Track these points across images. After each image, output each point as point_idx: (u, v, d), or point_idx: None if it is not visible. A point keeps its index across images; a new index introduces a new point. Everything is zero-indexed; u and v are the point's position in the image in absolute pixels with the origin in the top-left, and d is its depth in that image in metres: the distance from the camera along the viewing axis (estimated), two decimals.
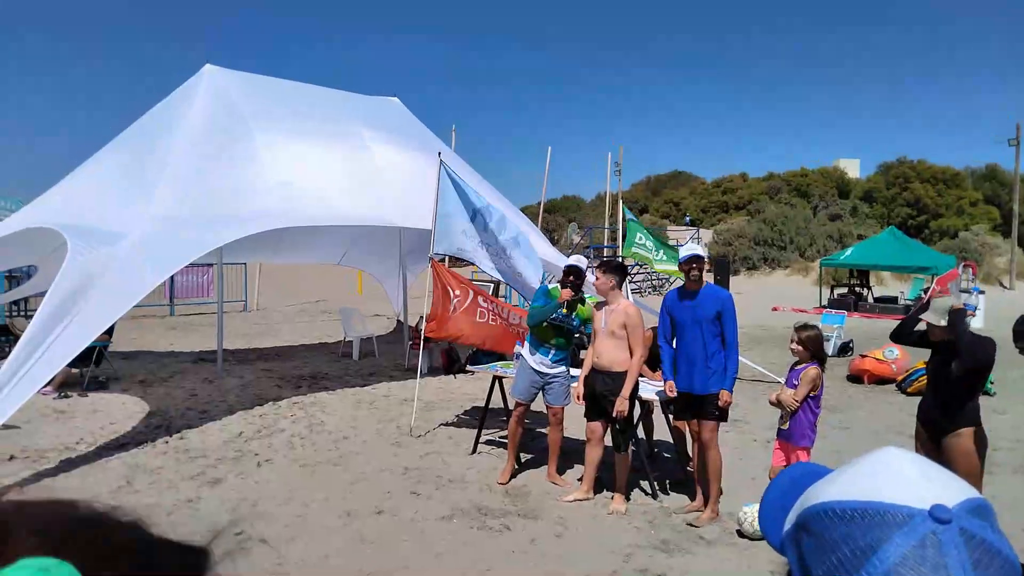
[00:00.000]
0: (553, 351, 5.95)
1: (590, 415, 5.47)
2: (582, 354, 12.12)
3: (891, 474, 0.69)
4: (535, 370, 5.95)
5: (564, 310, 5.85)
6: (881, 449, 0.75)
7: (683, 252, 5.42)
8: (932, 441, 4.27)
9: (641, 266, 13.06)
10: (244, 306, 20.23)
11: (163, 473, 6.05)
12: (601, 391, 5.29)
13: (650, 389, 5.92)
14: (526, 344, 6.14)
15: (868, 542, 0.64)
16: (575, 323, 5.93)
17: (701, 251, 5.34)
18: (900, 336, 4.85)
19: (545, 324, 5.90)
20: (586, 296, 6.06)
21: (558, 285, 6.08)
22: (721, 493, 5.26)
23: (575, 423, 7.78)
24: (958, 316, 4.26)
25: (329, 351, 12.94)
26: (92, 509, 0.45)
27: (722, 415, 5.19)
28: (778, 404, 4.90)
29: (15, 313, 13.93)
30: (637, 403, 5.64)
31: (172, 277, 17.19)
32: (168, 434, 7.22)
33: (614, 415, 5.20)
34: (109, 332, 9.42)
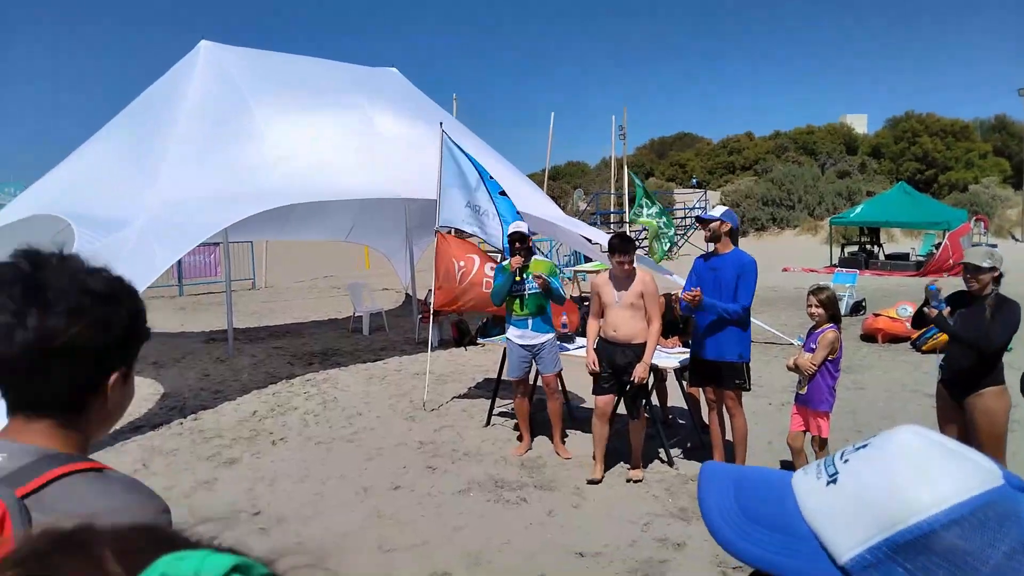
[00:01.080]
0: (530, 320, 5.87)
1: (599, 389, 5.34)
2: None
3: (948, 461, 0.65)
4: (520, 345, 5.91)
5: (517, 278, 5.82)
6: (895, 440, 0.69)
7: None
8: (954, 401, 4.20)
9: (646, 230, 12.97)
10: (253, 284, 20.24)
11: (179, 455, 6.07)
12: (622, 364, 5.13)
13: (663, 356, 5.87)
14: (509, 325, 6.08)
15: (1016, 537, 0.60)
16: (533, 284, 5.84)
17: (713, 212, 5.22)
18: (921, 322, 4.67)
19: (508, 298, 5.90)
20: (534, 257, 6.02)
21: (509, 260, 6.02)
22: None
23: (586, 391, 7.76)
24: (939, 321, 4.15)
25: (339, 327, 12.94)
26: (168, 530, 0.46)
27: (743, 384, 5.11)
28: (796, 369, 4.84)
29: None
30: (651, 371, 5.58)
31: (180, 258, 17.19)
32: (183, 416, 7.24)
33: (634, 380, 5.09)
34: None
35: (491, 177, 7.71)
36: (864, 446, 0.73)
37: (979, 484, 0.62)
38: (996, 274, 4.07)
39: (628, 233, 8.78)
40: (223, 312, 11.21)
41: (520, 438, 6.13)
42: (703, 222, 5.18)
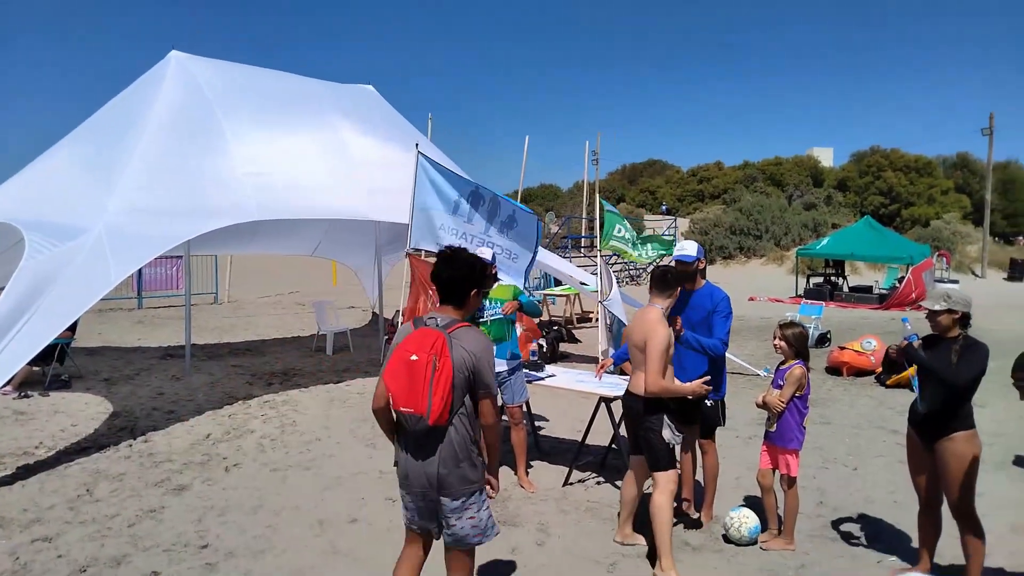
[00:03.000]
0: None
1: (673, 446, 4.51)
2: (562, 346, 11.97)
3: None
4: None
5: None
6: None
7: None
8: (924, 445, 4.14)
9: (619, 256, 12.94)
10: (215, 298, 19.81)
11: (125, 480, 5.78)
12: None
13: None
14: None
15: None
16: (493, 311, 5.71)
17: (689, 250, 4.92)
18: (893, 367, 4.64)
19: (483, 323, 5.72)
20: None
21: None
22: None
23: (553, 421, 7.62)
24: (909, 352, 4.08)
25: (302, 345, 12.66)
26: None
27: (717, 421, 5.00)
28: (764, 406, 4.75)
29: None
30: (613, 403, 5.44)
31: (140, 269, 16.78)
32: (132, 437, 6.94)
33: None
34: (72, 328, 9.10)
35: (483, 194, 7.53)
36: None
37: None
38: (956, 315, 4.02)
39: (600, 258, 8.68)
40: (183, 327, 10.87)
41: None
42: (684, 264, 4.90)
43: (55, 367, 9.05)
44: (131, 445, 6.70)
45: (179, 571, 4.28)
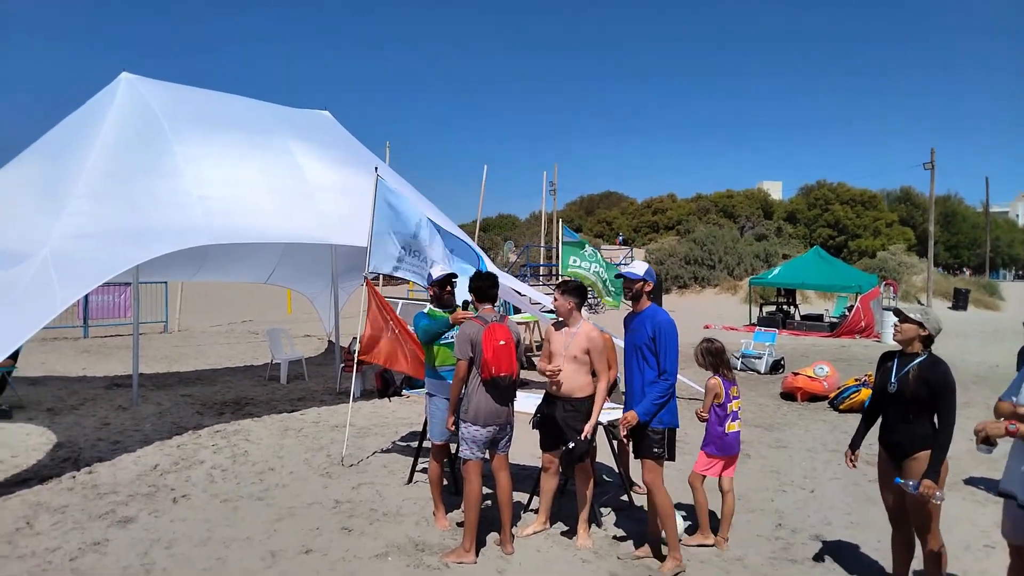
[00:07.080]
0: None
1: (546, 445, 5.10)
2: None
3: None
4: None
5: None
6: None
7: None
8: (894, 463, 4.19)
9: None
10: (164, 327, 19.31)
11: (68, 512, 5.53)
12: (563, 418, 4.84)
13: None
14: (429, 380, 5.59)
15: None
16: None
17: (635, 269, 4.87)
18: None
19: (440, 346, 5.51)
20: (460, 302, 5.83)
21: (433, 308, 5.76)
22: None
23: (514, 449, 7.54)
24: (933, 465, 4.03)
25: (255, 375, 12.37)
26: None
27: (663, 453, 4.64)
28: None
29: None
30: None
31: (86, 296, 16.29)
32: (76, 468, 6.66)
33: (581, 438, 4.74)
34: (14, 356, 8.78)
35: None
36: None
37: None
38: (924, 332, 4.10)
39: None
40: (130, 356, 10.53)
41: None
42: (627, 281, 4.86)
43: None
44: (74, 477, 6.42)
45: None
